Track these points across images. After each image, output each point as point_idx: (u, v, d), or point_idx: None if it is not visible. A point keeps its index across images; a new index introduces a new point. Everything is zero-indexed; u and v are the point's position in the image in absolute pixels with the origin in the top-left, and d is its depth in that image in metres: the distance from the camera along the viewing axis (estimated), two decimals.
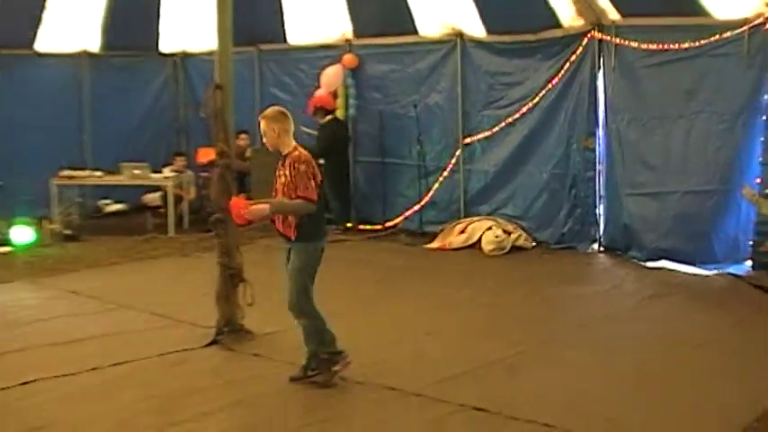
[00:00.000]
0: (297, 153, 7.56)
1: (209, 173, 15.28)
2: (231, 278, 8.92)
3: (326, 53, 16.08)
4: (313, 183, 7.45)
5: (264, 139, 7.73)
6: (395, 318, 9.97)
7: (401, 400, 7.22)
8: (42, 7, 16.28)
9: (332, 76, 15.56)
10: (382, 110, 15.47)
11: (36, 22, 16.49)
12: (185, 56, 18.41)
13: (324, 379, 7.55)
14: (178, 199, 15.88)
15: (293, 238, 7.51)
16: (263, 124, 7.66)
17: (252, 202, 7.87)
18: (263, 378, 7.85)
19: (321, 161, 15.32)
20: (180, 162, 16.59)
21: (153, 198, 16.52)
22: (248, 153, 15.75)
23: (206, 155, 15.79)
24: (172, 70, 18.56)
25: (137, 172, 15.69)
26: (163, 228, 15.47)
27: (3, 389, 7.57)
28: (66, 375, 7.92)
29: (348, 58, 15.66)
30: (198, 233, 14.89)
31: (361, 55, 15.74)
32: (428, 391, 7.32)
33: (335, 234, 14.99)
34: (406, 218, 15.26)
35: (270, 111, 7.76)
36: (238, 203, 7.85)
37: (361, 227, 15.58)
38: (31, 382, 7.75)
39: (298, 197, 7.40)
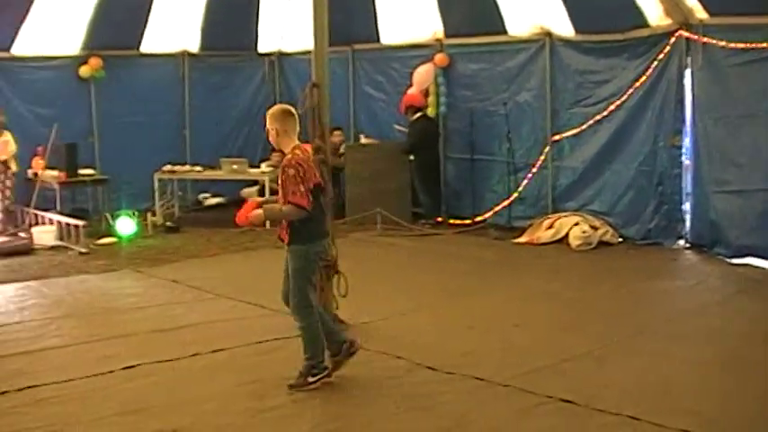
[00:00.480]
0: (290, 156, 7.34)
1: None
2: (326, 270, 9.00)
3: (418, 52, 16.27)
4: (302, 187, 7.20)
5: (269, 137, 7.60)
6: (483, 309, 10.07)
7: (489, 390, 7.31)
8: (148, 10, 16.83)
9: (423, 74, 15.76)
10: (473, 107, 15.59)
11: (142, 24, 17.05)
12: (281, 55, 18.77)
13: (295, 383, 7.42)
14: (274, 193, 16.17)
15: (287, 242, 7.44)
16: (267, 122, 7.50)
17: (260, 200, 7.94)
18: (357, 366, 7.92)
19: (411, 157, 15.69)
20: (276, 157, 16.89)
21: (250, 192, 16.86)
22: (342, 149, 16.03)
23: None
24: (268, 69, 18.93)
25: (235, 167, 16.10)
26: None
27: (107, 373, 7.89)
28: (166, 361, 8.20)
29: (439, 58, 15.84)
30: None
31: (452, 54, 15.90)
32: (516, 381, 7.39)
33: (426, 228, 15.29)
34: (495, 213, 15.37)
35: (274, 109, 7.61)
36: (247, 206, 7.77)
37: (451, 221, 15.79)
38: (134, 366, 8.03)
39: (288, 203, 7.24)
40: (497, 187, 15.43)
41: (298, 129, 7.57)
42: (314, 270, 7.57)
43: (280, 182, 7.37)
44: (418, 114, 15.65)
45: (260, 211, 7.50)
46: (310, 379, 7.40)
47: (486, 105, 15.52)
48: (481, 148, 15.57)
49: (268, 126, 7.47)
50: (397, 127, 16.28)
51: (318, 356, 7.47)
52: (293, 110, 7.61)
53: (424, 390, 7.39)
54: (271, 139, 7.53)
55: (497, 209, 15.34)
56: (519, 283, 11.50)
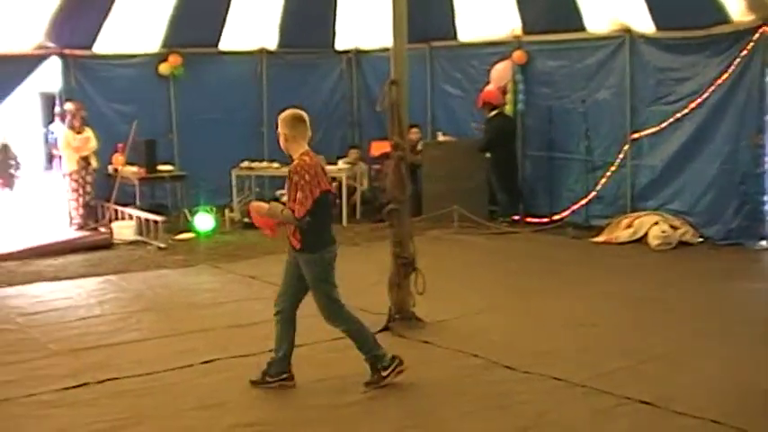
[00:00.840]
0: (296, 162, 7.24)
1: (382, 165, 15.73)
2: (404, 267, 9.08)
3: (496, 49, 16.16)
4: (300, 194, 7.09)
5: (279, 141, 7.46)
6: (560, 309, 9.97)
7: (567, 390, 7.27)
8: (226, 9, 16.96)
9: (501, 71, 15.69)
10: (551, 105, 15.46)
11: (220, 22, 17.19)
12: (358, 52, 18.81)
13: (370, 380, 7.42)
14: (351, 190, 16.29)
15: (296, 248, 7.32)
16: (279, 126, 7.39)
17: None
18: (433, 364, 8.03)
19: (487, 154, 15.63)
20: (353, 154, 17.01)
21: None
22: (419, 147, 16.03)
23: (379, 148, 16.25)
24: (346, 66, 18.99)
25: None
26: (336, 218, 15.82)
27: (185, 367, 8.03)
28: (244, 356, 8.29)
29: (517, 55, 15.73)
30: (369, 223, 15.33)
31: (531, 51, 15.78)
32: (593, 382, 7.34)
33: (503, 226, 15.21)
34: (572, 211, 15.21)
35: (285, 114, 7.42)
36: (257, 205, 7.68)
37: (528, 219, 15.66)
38: (211, 361, 8.18)
39: (289, 208, 7.22)
40: (575, 186, 15.28)
41: (309, 135, 7.41)
42: (331, 273, 7.42)
43: (286, 187, 7.40)
44: (495, 111, 15.57)
45: (265, 205, 7.60)
46: (383, 373, 7.39)
47: (565, 103, 15.37)
48: (559, 145, 15.45)
49: (279, 131, 7.37)
50: (474, 125, 16.22)
51: (375, 348, 7.47)
52: (305, 116, 7.41)
53: (501, 389, 7.37)
54: (281, 143, 7.40)
55: (575, 207, 15.17)
56: (596, 282, 11.37)
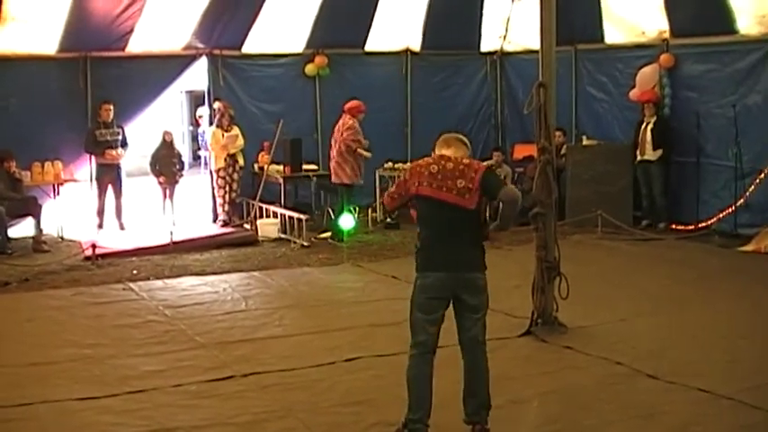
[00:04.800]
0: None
1: (525, 168, 15.65)
2: (548, 271, 9.02)
3: (643, 52, 15.93)
4: (394, 189, 6.72)
5: None
6: (707, 319, 9.72)
7: (713, 402, 7.08)
8: (373, 10, 17.14)
9: (646, 75, 15.48)
10: (698, 110, 15.09)
11: (366, 23, 17.37)
12: (503, 54, 18.75)
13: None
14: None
15: None
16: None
17: None
18: (576, 370, 7.94)
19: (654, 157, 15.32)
20: (497, 157, 16.94)
21: None
22: (564, 150, 15.89)
23: (522, 151, 16.17)
24: (490, 68, 18.95)
25: None
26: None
27: (328, 364, 8.16)
28: (387, 355, 8.29)
29: (665, 58, 15.47)
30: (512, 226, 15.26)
31: (678, 54, 15.48)
32: (741, 396, 7.12)
33: (660, 230, 15.04)
34: (719, 219, 14.82)
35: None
36: None
37: (673, 226, 15.36)
38: (354, 359, 8.30)
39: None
40: (722, 192, 14.85)
41: (445, 148, 6.76)
42: (421, 306, 6.43)
43: None
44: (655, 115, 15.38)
45: None
46: None
47: (713, 108, 14.99)
48: (706, 151, 15.09)
49: None
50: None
51: (409, 411, 6.44)
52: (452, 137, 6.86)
53: (645, 398, 7.26)
54: None
55: (722, 215, 14.77)
56: (745, 293, 11.00)
